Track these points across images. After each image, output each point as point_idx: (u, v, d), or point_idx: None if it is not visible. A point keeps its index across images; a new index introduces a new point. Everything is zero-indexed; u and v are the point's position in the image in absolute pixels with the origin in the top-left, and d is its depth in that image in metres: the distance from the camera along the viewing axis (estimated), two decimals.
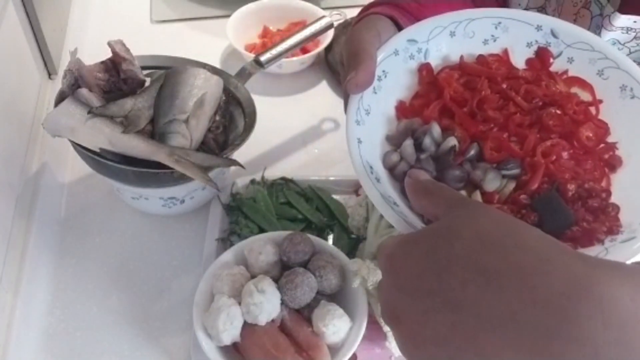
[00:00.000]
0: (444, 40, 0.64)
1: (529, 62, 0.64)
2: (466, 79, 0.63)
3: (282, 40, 0.98)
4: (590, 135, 0.58)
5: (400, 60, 0.63)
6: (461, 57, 0.64)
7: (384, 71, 0.61)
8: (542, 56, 0.63)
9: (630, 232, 0.52)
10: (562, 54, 0.63)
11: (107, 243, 0.88)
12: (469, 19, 0.64)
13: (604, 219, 0.54)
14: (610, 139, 0.59)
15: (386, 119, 0.62)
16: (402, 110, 0.63)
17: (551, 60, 0.63)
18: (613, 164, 0.58)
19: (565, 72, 0.63)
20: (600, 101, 0.61)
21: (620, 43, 0.70)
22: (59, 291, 0.82)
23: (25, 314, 0.77)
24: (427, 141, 0.58)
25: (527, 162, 0.56)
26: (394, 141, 0.60)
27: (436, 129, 0.59)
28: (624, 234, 0.52)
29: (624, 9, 0.68)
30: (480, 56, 0.64)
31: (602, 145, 0.59)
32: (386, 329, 0.70)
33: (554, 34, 0.63)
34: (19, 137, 0.91)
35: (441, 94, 0.61)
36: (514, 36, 0.64)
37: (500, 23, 0.64)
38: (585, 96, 0.62)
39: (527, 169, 0.56)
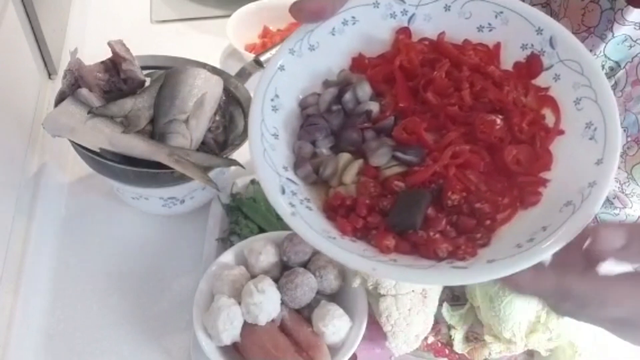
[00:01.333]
0: (436, 11, 0.60)
1: (516, 65, 0.60)
2: (434, 56, 0.59)
3: (282, 40, 0.98)
4: (521, 159, 0.54)
5: (378, 15, 0.59)
6: (442, 32, 0.60)
7: (353, 17, 0.58)
8: (532, 64, 0.59)
9: (465, 266, 0.48)
10: (552, 68, 0.58)
11: (107, 243, 0.88)
12: None
13: (461, 243, 0.50)
14: (547, 174, 0.53)
15: (328, 67, 0.59)
16: (358, 63, 0.60)
17: (540, 71, 0.58)
18: (529, 200, 0.52)
19: (547, 89, 0.58)
20: (562, 132, 0.55)
21: (632, 39, 0.69)
22: (59, 291, 0.82)
23: (25, 314, 0.78)
24: (347, 96, 0.57)
25: (432, 156, 0.53)
26: (327, 87, 0.58)
27: (364, 88, 0.57)
28: (462, 265, 0.48)
29: (636, 2, 0.66)
30: (467, 41, 0.60)
31: (530, 176, 0.53)
32: (386, 328, 0.70)
33: (552, 43, 0.58)
34: (19, 137, 0.91)
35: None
36: (512, 32, 0.59)
37: (502, 13, 0.59)
38: (550, 120, 0.57)
39: (428, 163, 0.53)
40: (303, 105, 0.58)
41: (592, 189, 0.48)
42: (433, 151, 0.54)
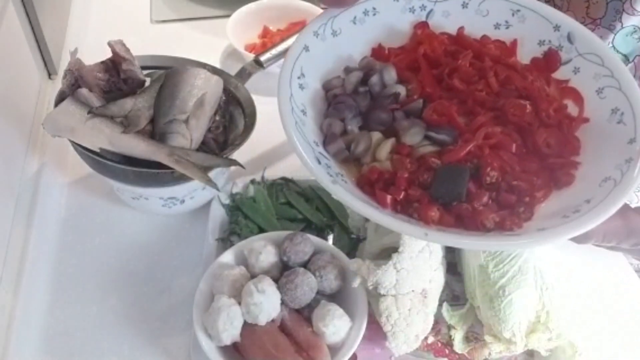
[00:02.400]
0: (454, 8, 0.62)
1: (534, 60, 0.62)
2: (455, 49, 0.61)
3: (282, 40, 0.98)
4: (551, 143, 0.56)
5: (398, 7, 0.61)
6: (461, 27, 0.62)
7: (374, 8, 0.60)
8: (550, 59, 0.61)
9: (517, 233, 0.50)
10: (571, 61, 0.60)
11: (107, 243, 0.88)
12: None
13: (505, 215, 0.51)
14: (577, 158, 0.56)
15: (349, 54, 0.60)
16: (378, 53, 0.61)
17: (558, 65, 0.60)
18: (562, 180, 0.54)
19: (567, 81, 0.60)
20: (587, 120, 0.58)
21: None
22: (59, 291, 0.82)
23: (25, 314, 0.77)
24: (374, 79, 0.58)
25: (464, 137, 0.54)
26: (349, 72, 0.59)
27: (390, 72, 0.58)
28: (513, 235, 0.50)
29: None
30: (485, 36, 0.61)
31: (561, 158, 0.56)
32: (386, 328, 0.70)
33: (570, 39, 0.60)
34: (19, 137, 0.91)
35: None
36: (529, 29, 0.61)
37: (519, 11, 0.61)
38: (574, 110, 0.59)
39: (461, 143, 0.54)
40: (327, 87, 0.59)
41: (630, 164, 0.51)
42: (464, 133, 0.55)
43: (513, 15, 0.62)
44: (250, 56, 0.98)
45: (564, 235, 0.49)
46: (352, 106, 0.57)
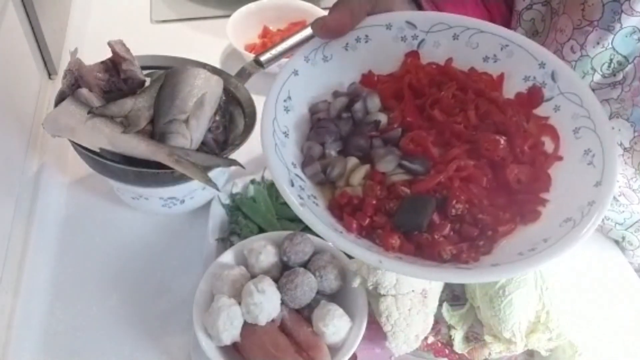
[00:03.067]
0: (445, 39, 0.63)
1: (518, 95, 0.63)
2: (441, 79, 0.62)
3: (282, 40, 0.97)
4: (521, 179, 0.56)
5: (389, 36, 0.62)
6: (449, 58, 0.63)
7: (366, 36, 0.61)
8: (533, 95, 0.62)
9: (469, 267, 0.50)
10: (553, 99, 0.61)
11: (107, 243, 0.88)
12: (478, 30, 0.63)
13: (463, 248, 0.52)
14: (546, 195, 0.56)
15: (339, 79, 0.61)
16: (367, 80, 0.63)
17: (540, 102, 0.61)
18: (528, 217, 0.55)
19: (547, 118, 0.61)
20: (561, 158, 0.58)
21: None
22: (59, 291, 0.82)
23: (25, 314, 0.78)
24: (358, 105, 0.60)
25: (437, 168, 0.56)
26: (337, 97, 0.61)
27: (374, 100, 0.60)
28: (465, 269, 0.50)
29: None
30: (472, 68, 0.63)
31: (530, 194, 0.56)
32: (386, 328, 0.70)
33: (553, 77, 0.61)
34: (19, 137, 0.91)
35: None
36: (516, 65, 0.62)
37: (507, 46, 0.63)
38: (550, 147, 0.60)
39: (433, 174, 0.55)
40: (313, 110, 0.60)
41: (591, 207, 0.51)
42: (438, 163, 0.57)
43: (502, 49, 0.63)
44: (250, 56, 0.98)
45: (514, 272, 0.50)
46: (333, 131, 0.59)
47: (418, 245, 0.52)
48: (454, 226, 0.53)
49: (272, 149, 0.54)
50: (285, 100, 0.58)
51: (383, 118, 0.60)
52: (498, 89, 0.63)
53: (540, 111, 0.61)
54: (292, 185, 0.53)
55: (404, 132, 0.59)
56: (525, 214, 0.55)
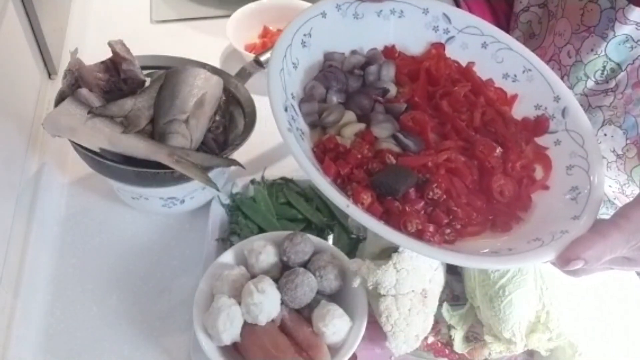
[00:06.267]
0: (474, 44, 0.64)
1: (525, 120, 0.64)
2: (458, 78, 0.63)
3: None
4: (504, 191, 0.57)
5: (422, 22, 0.63)
6: (471, 62, 0.64)
7: (401, 11, 0.61)
8: (539, 124, 0.63)
9: (430, 247, 0.51)
10: (557, 133, 0.62)
11: (107, 243, 0.88)
12: (507, 46, 0.64)
13: (430, 228, 0.53)
14: (523, 215, 0.57)
15: (361, 41, 0.62)
16: (389, 52, 0.63)
17: (544, 133, 0.63)
18: (500, 227, 0.56)
19: (545, 149, 0.62)
20: (547, 187, 0.59)
21: (633, 40, 0.69)
22: (59, 291, 0.82)
23: (25, 314, 0.78)
24: (373, 68, 0.60)
25: (427, 152, 0.56)
26: (353, 54, 0.61)
27: (389, 69, 0.60)
28: (425, 243, 0.51)
29: (638, 1, 0.66)
30: (490, 80, 0.64)
31: (508, 209, 0.57)
32: (386, 328, 0.70)
33: (564, 113, 0.62)
34: (19, 137, 0.91)
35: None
36: (532, 90, 0.63)
37: (530, 70, 0.63)
38: (539, 175, 0.61)
39: (422, 155, 0.56)
40: (327, 58, 0.60)
41: (563, 235, 0.52)
42: (430, 148, 0.56)
43: (523, 72, 0.64)
44: (250, 56, 0.98)
45: (468, 262, 0.52)
46: (341, 80, 0.59)
47: (387, 211, 0.53)
48: (426, 208, 0.54)
49: (277, 71, 0.53)
50: (304, 35, 0.58)
51: (393, 89, 0.60)
52: (508, 107, 0.64)
53: (541, 140, 0.62)
54: (286, 110, 0.53)
55: (408, 109, 0.59)
56: (498, 223, 0.56)
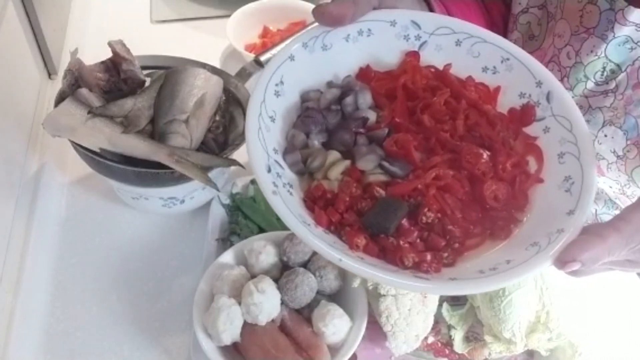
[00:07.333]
0: (447, 44, 0.63)
1: (511, 111, 0.62)
2: (437, 84, 0.62)
3: (282, 40, 0.98)
4: (498, 196, 0.56)
5: (392, 33, 0.62)
6: (448, 64, 0.63)
7: (369, 29, 0.60)
8: (526, 113, 0.62)
9: (427, 278, 0.51)
10: (544, 120, 0.61)
11: (107, 243, 0.88)
12: (481, 39, 0.63)
13: (427, 258, 0.52)
14: (520, 215, 0.56)
15: (335, 70, 0.61)
16: (364, 74, 0.62)
17: (532, 120, 0.61)
18: (499, 234, 0.55)
19: (535, 138, 0.61)
20: (542, 180, 0.58)
21: (633, 41, 0.69)
22: (59, 291, 0.82)
23: (25, 314, 0.78)
24: (349, 99, 0.59)
25: (416, 173, 0.56)
26: (330, 88, 0.61)
27: (366, 96, 0.59)
28: (422, 278, 0.50)
29: (637, 2, 0.66)
30: (470, 77, 0.63)
31: (505, 212, 0.56)
32: (386, 328, 0.70)
33: (548, 98, 0.61)
34: (19, 137, 0.91)
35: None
36: (513, 80, 0.62)
37: (508, 59, 0.62)
38: (533, 167, 0.60)
39: (411, 178, 0.55)
40: (304, 98, 0.60)
41: (559, 235, 0.52)
42: (418, 169, 0.56)
43: (502, 62, 0.63)
44: (250, 56, 0.98)
45: (469, 289, 0.52)
46: (319, 122, 0.58)
47: (382, 248, 0.52)
48: (421, 234, 0.53)
49: (254, 132, 0.53)
50: (277, 85, 0.57)
51: (372, 115, 0.59)
52: (492, 101, 0.63)
53: (530, 130, 0.61)
54: (269, 171, 0.52)
55: (390, 132, 0.58)
56: (497, 231, 0.55)
